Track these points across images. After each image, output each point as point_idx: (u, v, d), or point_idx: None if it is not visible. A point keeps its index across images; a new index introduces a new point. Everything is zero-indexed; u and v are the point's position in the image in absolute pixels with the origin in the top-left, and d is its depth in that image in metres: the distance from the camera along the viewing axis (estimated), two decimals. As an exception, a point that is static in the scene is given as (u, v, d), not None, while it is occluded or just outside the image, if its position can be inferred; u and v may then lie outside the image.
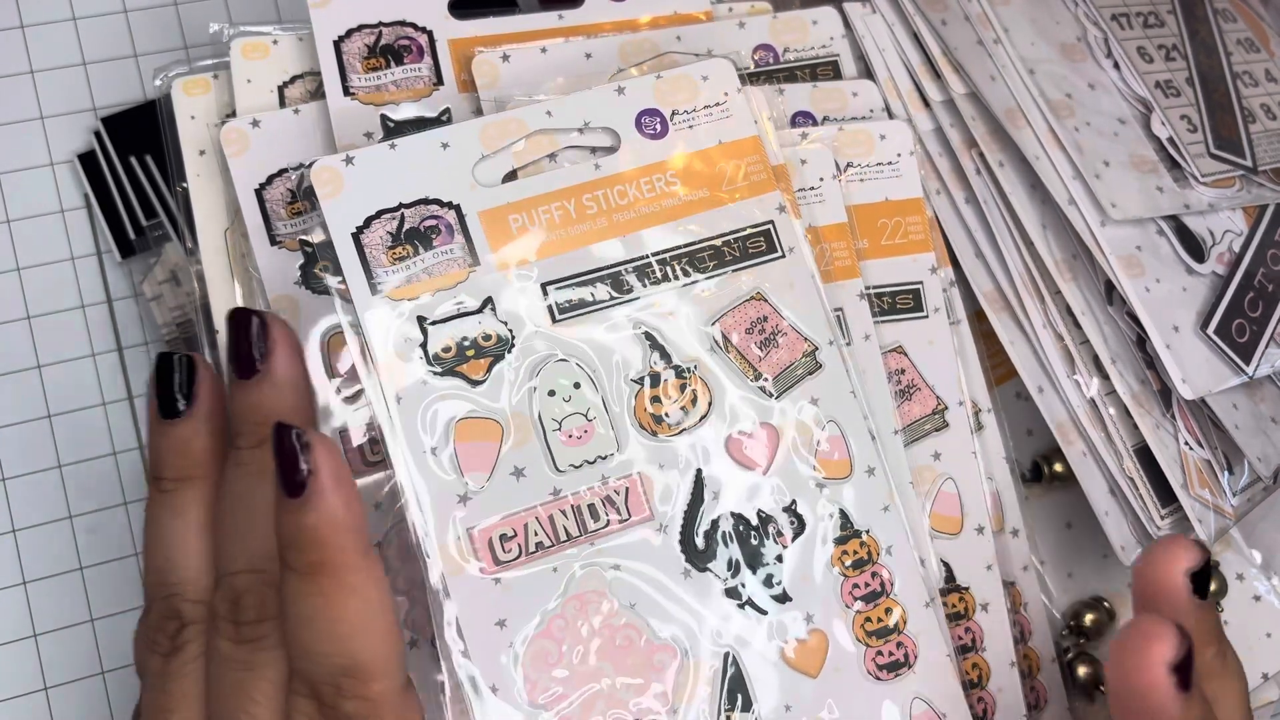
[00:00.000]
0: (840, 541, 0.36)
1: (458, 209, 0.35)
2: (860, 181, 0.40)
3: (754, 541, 0.35)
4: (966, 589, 0.38)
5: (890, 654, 0.36)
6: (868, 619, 0.36)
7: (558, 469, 0.34)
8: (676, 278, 0.36)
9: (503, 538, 0.33)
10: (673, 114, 0.37)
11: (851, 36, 0.43)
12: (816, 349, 0.37)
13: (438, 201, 0.35)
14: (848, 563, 0.36)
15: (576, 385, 0.35)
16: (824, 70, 0.42)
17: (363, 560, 0.28)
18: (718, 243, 0.37)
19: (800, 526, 0.36)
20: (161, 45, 0.45)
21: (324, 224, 0.34)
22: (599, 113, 0.37)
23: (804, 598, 0.35)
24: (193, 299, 0.38)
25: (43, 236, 0.44)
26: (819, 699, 0.35)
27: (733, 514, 0.35)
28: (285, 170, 0.37)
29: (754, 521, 0.35)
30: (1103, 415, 0.40)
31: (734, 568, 0.35)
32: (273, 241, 0.37)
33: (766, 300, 0.37)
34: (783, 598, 0.35)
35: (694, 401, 0.36)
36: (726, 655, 0.34)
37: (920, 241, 0.40)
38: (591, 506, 0.34)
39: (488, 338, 0.34)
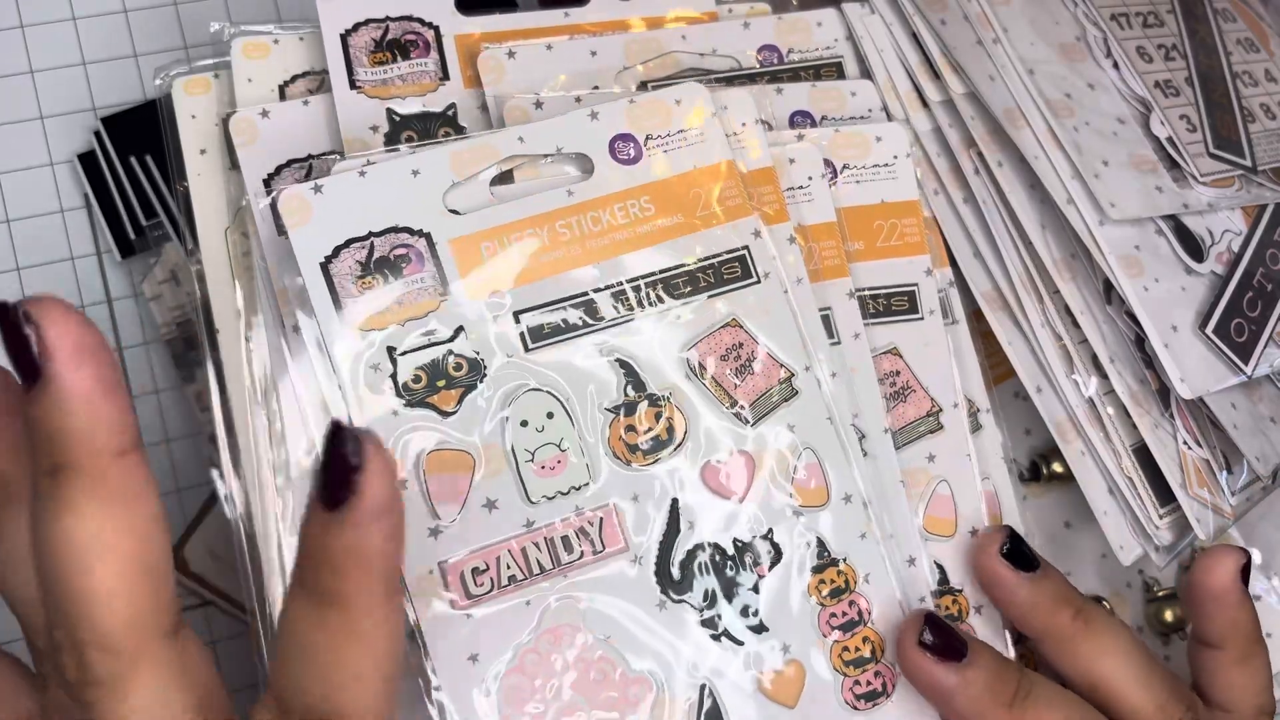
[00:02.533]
0: (817, 570, 0.35)
1: (428, 237, 0.34)
2: (856, 184, 0.39)
3: (730, 571, 0.35)
4: (960, 591, 0.38)
5: (868, 683, 0.35)
6: (845, 648, 0.35)
7: (530, 500, 0.34)
8: (651, 304, 0.36)
9: (475, 571, 0.33)
10: (647, 139, 0.37)
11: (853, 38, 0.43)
12: (793, 375, 0.36)
13: (408, 230, 0.34)
14: (825, 591, 0.35)
15: (550, 415, 0.34)
16: (828, 72, 0.42)
17: (384, 603, 0.25)
18: (693, 268, 0.36)
19: (777, 555, 0.35)
20: (162, 45, 0.45)
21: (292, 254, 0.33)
22: (572, 138, 0.36)
23: (781, 628, 0.35)
24: (193, 299, 0.38)
25: (42, 236, 0.44)
26: None
27: (709, 544, 0.35)
28: (293, 161, 0.37)
29: (730, 551, 0.35)
30: (1101, 415, 0.40)
31: (710, 598, 0.34)
32: (280, 231, 0.37)
33: (742, 326, 0.36)
34: (759, 628, 0.35)
35: (670, 430, 0.35)
36: (703, 688, 0.34)
37: (915, 244, 0.40)
38: (565, 538, 0.34)
39: (459, 367, 0.34)
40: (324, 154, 0.38)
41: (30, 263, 0.44)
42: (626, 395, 0.35)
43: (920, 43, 0.42)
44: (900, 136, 0.40)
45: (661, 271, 0.36)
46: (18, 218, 0.44)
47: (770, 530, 0.35)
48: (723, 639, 0.34)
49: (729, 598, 0.34)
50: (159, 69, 0.40)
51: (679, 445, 0.35)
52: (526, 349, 0.35)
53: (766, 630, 0.35)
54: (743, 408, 0.36)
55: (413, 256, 0.34)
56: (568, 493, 0.34)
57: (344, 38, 0.38)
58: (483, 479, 0.34)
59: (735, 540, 0.35)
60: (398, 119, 0.38)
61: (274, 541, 0.37)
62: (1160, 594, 0.45)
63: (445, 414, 0.34)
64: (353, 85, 0.38)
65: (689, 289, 0.36)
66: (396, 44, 0.39)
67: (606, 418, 0.35)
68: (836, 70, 0.43)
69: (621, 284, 0.36)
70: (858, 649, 0.35)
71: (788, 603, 0.35)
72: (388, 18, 0.39)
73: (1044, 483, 0.44)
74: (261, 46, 0.39)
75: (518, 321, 0.35)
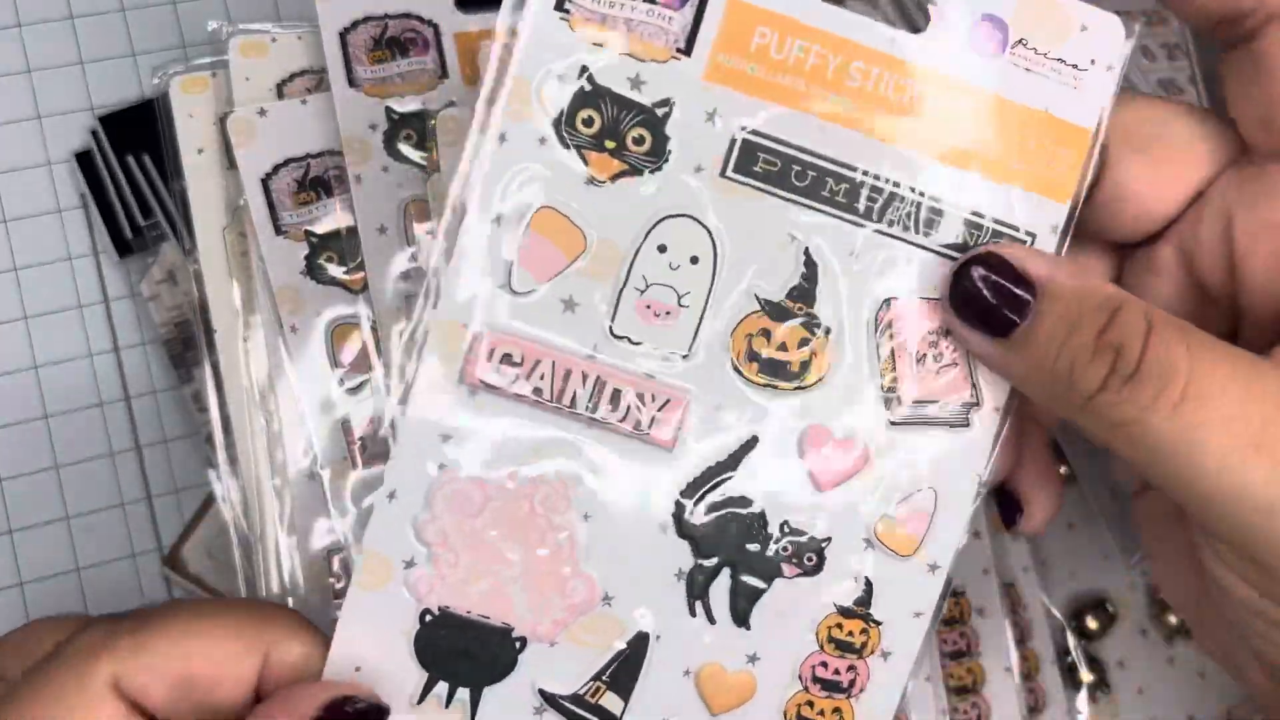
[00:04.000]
0: (845, 613, 0.30)
1: None
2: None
3: (754, 547, 0.29)
4: (963, 593, 0.38)
5: None
6: (808, 704, 0.30)
7: (613, 332, 0.28)
8: (904, 228, 0.28)
9: (506, 357, 0.28)
10: (1020, 41, 0.28)
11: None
12: (977, 405, 0.29)
13: None
14: (833, 637, 0.30)
15: (694, 260, 0.28)
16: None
17: None
18: (983, 224, 0.29)
19: (816, 567, 0.29)
20: (159, 44, 0.45)
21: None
22: None
23: (763, 636, 0.29)
24: (190, 299, 0.38)
25: (40, 236, 0.44)
26: None
27: (758, 509, 0.29)
28: (291, 160, 0.37)
29: (773, 531, 0.29)
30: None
31: (713, 558, 0.29)
32: (278, 231, 0.37)
33: None
34: (742, 620, 0.29)
35: (803, 366, 0.29)
36: (642, 637, 0.29)
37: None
38: (617, 392, 0.28)
39: (640, 141, 0.28)
40: (322, 153, 0.38)
41: (27, 262, 0.43)
42: (787, 298, 0.29)
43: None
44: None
45: (950, 205, 0.28)
46: (14, 217, 0.44)
47: (829, 540, 0.29)
48: (697, 605, 0.29)
49: (734, 573, 0.29)
50: (156, 68, 0.39)
51: (802, 388, 0.29)
52: (724, 171, 0.28)
53: (747, 628, 0.29)
54: (899, 400, 0.29)
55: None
56: (655, 351, 0.28)
57: (343, 36, 0.38)
58: (579, 272, 0.28)
59: (785, 524, 0.29)
60: (397, 117, 0.38)
61: (271, 542, 0.37)
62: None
63: (592, 180, 0.28)
64: (351, 84, 0.38)
65: (954, 243, 0.29)
66: (395, 42, 0.39)
67: (749, 306, 0.28)
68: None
69: (896, 186, 0.28)
70: (819, 715, 0.30)
71: (789, 619, 0.29)
72: (386, 15, 0.39)
73: (1046, 484, 0.44)
74: (259, 45, 0.39)
75: (736, 136, 0.28)
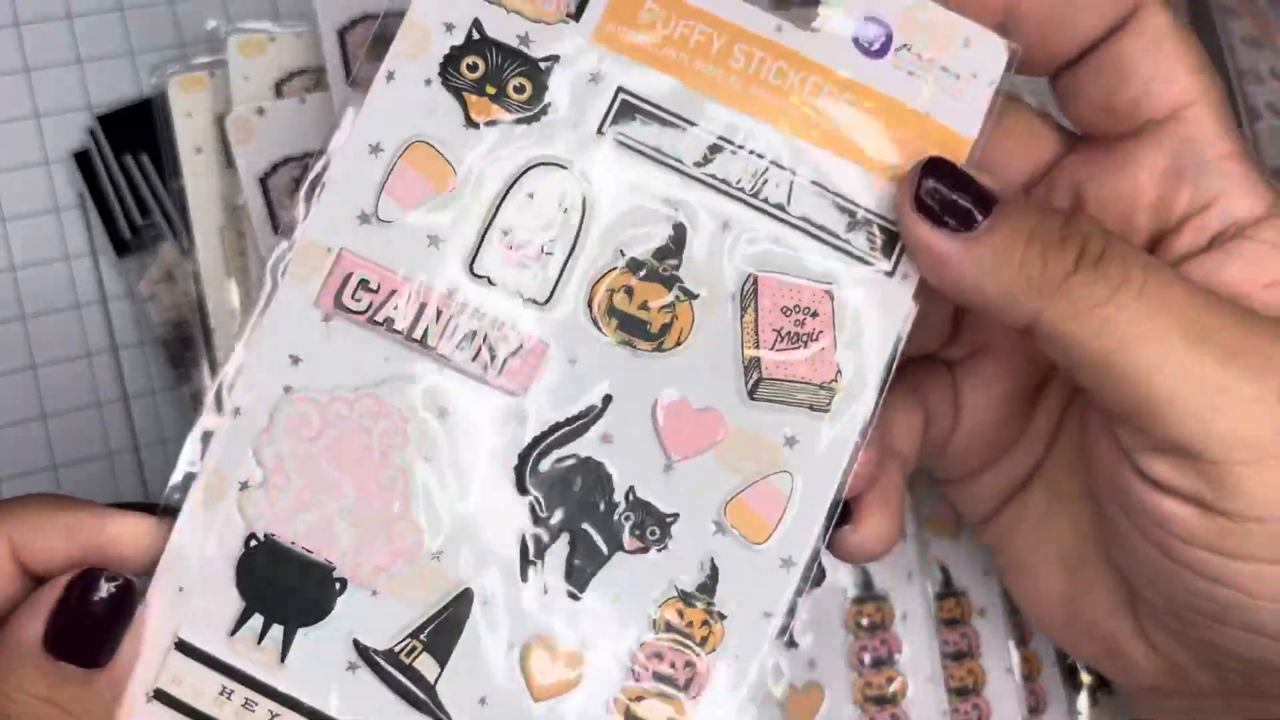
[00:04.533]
0: (685, 599, 0.28)
1: None
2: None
3: (597, 514, 0.28)
4: (964, 594, 0.38)
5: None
6: (641, 699, 0.27)
7: (473, 270, 0.28)
8: (774, 206, 0.28)
9: (362, 283, 0.28)
10: (904, 45, 0.29)
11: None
12: (837, 394, 0.28)
13: None
14: (673, 625, 0.28)
15: (565, 210, 0.28)
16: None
17: None
18: (839, 204, 0.28)
19: (660, 543, 0.28)
20: (157, 42, 0.45)
21: None
22: None
23: (596, 614, 0.27)
24: (189, 298, 0.38)
25: (37, 235, 0.44)
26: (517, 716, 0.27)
27: (601, 474, 0.28)
28: (290, 159, 0.37)
29: (618, 499, 0.28)
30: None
31: (552, 521, 0.28)
32: (276, 230, 0.36)
33: (832, 301, 0.29)
34: (576, 593, 0.28)
35: (663, 328, 0.28)
36: (466, 597, 0.27)
37: None
38: (472, 333, 0.28)
39: (520, 90, 0.28)
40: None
41: (25, 262, 0.43)
42: (653, 257, 0.28)
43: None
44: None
45: (824, 189, 0.28)
46: (12, 217, 0.44)
47: (676, 516, 0.28)
48: (530, 571, 0.27)
49: (573, 539, 0.28)
50: (155, 67, 0.39)
51: (661, 350, 0.28)
52: (601, 128, 0.28)
53: (580, 603, 0.27)
54: (760, 376, 0.28)
55: None
56: (513, 294, 0.28)
57: (341, 35, 0.38)
58: (442, 206, 0.28)
59: (632, 491, 0.28)
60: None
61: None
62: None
63: (469, 121, 0.28)
64: (351, 82, 0.38)
65: (817, 222, 0.28)
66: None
67: (615, 261, 0.28)
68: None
69: (764, 157, 0.28)
70: (648, 715, 0.28)
71: (626, 599, 0.28)
72: (386, 14, 0.39)
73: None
74: (258, 44, 0.39)
75: (615, 99, 0.28)
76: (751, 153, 0.28)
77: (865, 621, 0.37)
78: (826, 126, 0.28)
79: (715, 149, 0.28)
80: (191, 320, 0.38)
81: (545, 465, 0.28)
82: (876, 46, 0.29)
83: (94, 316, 0.44)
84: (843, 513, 0.29)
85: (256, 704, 0.27)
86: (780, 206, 0.28)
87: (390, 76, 0.28)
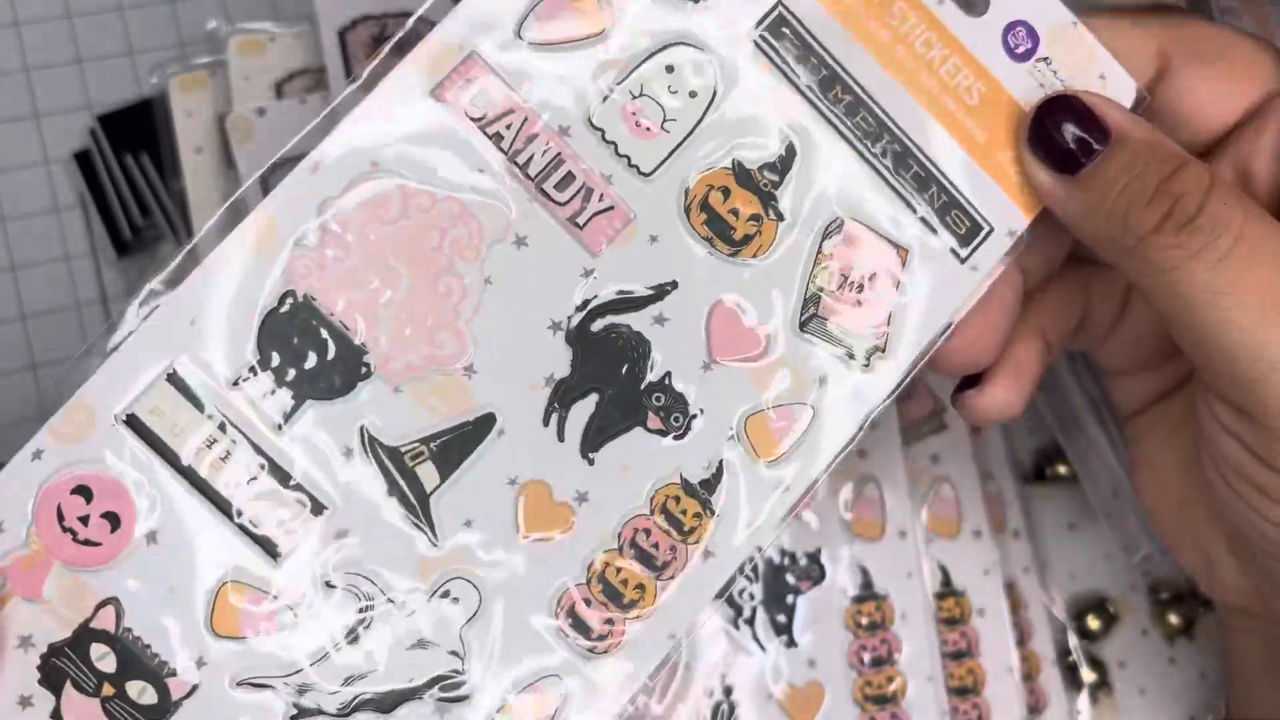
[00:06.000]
0: (688, 489, 0.28)
1: None
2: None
3: (631, 386, 0.28)
4: (963, 594, 0.38)
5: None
6: (618, 569, 0.28)
7: (591, 120, 0.28)
8: (878, 158, 0.29)
9: (484, 92, 0.27)
10: (1044, 58, 0.29)
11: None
12: (877, 352, 0.29)
13: None
14: (669, 509, 0.28)
15: (693, 94, 0.28)
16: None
17: None
18: (940, 180, 0.29)
19: (680, 434, 0.28)
20: (158, 42, 0.45)
21: None
22: None
23: (601, 476, 0.28)
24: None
25: (37, 236, 0.44)
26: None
27: (645, 351, 0.28)
28: (290, 160, 0.37)
29: (654, 379, 0.28)
30: (1105, 415, 0.40)
31: (588, 376, 0.28)
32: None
33: (902, 266, 0.29)
34: (588, 451, 0.28)
35: (746, 240, 0.28)
36: (487, 421, 0.27)
37: None
38: (571, 176, 0.28)
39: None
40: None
41: (25, 262, 0.43)
42: (759, 170, 0.28)
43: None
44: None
45: (932, 162, 0.29)
46: (12, 216, 0.44)
47: (701, 412, 0.28)
48: (552, 417, 0.28)
49: (602, 399, 0.28)
50: (155, 67, 0.39)
51: (735, 257, 0.28)
52: (753, 32, 0.28)
53: (590, 463, 0.28)
54: (815, 312, 0.29)
55: None
56: (620, 156, 0.28)
57: (342, 35, 0.38)
58: (582, 47, 0.28)
59: (669, 376, 0.28)
60: (396, 117, 0.38)
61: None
62: (1166, 596, 0.44)
63: None
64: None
65: (920, 195, 0.29)
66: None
67: (722, 161, 0.28)
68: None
69: (890, 122, 0.29)
70: (621, 583, 0.28)
71: (633, 472, 0.28)
72: (386, 14, 0.39)
73: (1048, 483, 0.44)
74: (258, 44, 0.39)
75: (777, 5, 0.28)
76: (878, 106, 0.29)
77: (865, 621, 0.37)
78: (951, 106, 0.29)
79: (847, 90, 0.29)
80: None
81: (597, 325, 0.28)
82: (1021, 51, 0.29)
83: (94, 316, 0.44)
84: (971, 378, 0.31)
85: (236, 460, 0.26)
86: (886, 163, 0.29)
87: None
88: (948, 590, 0.38)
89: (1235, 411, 0.28)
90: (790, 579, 0.35)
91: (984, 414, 0.31)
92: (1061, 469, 0.44)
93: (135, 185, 0.43)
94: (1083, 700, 0.42)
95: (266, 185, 0.37)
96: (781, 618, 0.35)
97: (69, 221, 0.44)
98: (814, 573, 0.35)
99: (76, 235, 0.44)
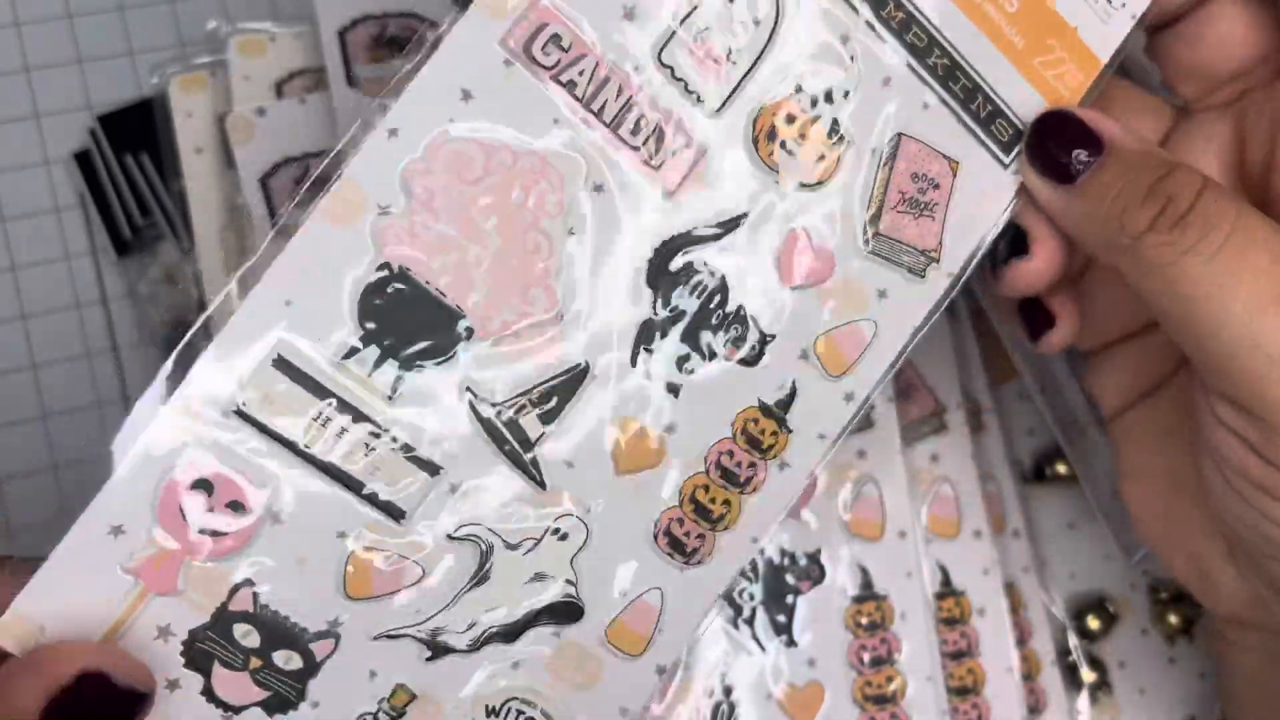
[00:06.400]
0: (765, 411, 0.30)
1: None
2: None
3: (711, 319, 0.29)
4: (963, 594, 0.38)
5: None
6: (705, 488, 0.30)
7: (660, 58, 0.28)
8: (929, 74, 0.29)
9: (555, 38, 0.27)
10: None
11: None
12: (932, 263, 0.30)
13: None
14: (749, 431, 0.30)
15: (757, 23, 0.28)
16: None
17: None
18: (985, 90, 0.30)
19: (755, 359, 0.29)
20: (158, 42, 0.45)
21: None
22: None
23: (688, 407, 0.29)
24: (189, 298, 0.38)
25: (37, 235, 0.44)
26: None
27: (720, 283, 0.29)
28: (290, 159, 0.37)
29: (730, 309, 0.29)
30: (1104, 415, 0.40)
31: (671, 314, 0.29)
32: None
33: (954, 178, 0.30)
34: (673, 389, 0.29)
35: (813, 165, 0.29)
36: (581, 370, 0.28)
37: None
38: (643, 118, 0.28)
39: None
40: (321, 153, 0.38)
41: (25, 262, 0.43)
42: (824, 96, 0.29)
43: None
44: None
45: (978, 73, 0.30)
46: (12, 216, 0.44)
47: (773, 337, 0.29)
48: (640, 358, 0.29)
49: (683, 336, 0.29)
50: (155, 67, 0.39)
51: (805, 185, 0.29)
52: None
53: (675, 397, 0.29)
54: (877, 230, 0.30)
55: None
56: (690, 93, 0.28)
57: (342, 35, 0.38)
58: None
59: (742, 308, 0.29)
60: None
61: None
62: (1166, 596, 0.44)
63: None
64: (351, 83, 0.38)
65: (967, 107, 0.30)
66: (395, 41, 0.39)
67: (787, 89, 0.29)
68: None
69: (941, 35, 0.29)
70: (710, 501, 0.30)
71: (715, 400, 0.29)
72: (386, 14, 0.39)
73: (1047, 483, 0.44)
74: (258, 44, 0.39)
75: None
76: (927, 21, 0.29)
77: (865, 621, 0.37)
78: (993, 15, 0.30)
79: (899, 7, 0.29)
80: (191, 321, 0.38)
81: (675, 263, 0.28)
82: None
83: (94, 316, 0.44)
84: (1041, 318, 0.32)
85: (352, 434, 0.27)
86: (938, 77, 0.29)
87: None
88: (947, 590, 0.38)
89: (1236, 409, 0.28)
90: (790, 579, 0.35)
91: (1025, 283, 0.31)
92: (1061, 469, 0.44)
93: (135, 185, 0.43)
94: (1082, 700, 0.42)
95: (266, 186, 0.37)
96: (781, 618, 0.35)
97: (69, 221, 0.44)
98: (814, 573, 0.35)
99: (76, 235, 0.44)
